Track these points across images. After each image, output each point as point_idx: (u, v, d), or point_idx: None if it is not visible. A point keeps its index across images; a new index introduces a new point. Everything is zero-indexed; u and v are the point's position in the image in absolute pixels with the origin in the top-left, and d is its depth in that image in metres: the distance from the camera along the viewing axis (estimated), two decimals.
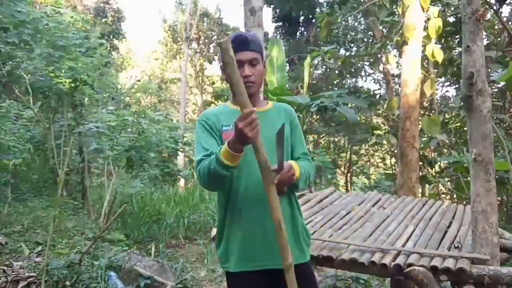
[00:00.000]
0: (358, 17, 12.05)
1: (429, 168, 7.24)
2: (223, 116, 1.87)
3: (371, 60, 12.59)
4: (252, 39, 1.83)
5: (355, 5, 9.68)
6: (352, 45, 13.35)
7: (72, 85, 6.13)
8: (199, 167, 1.76)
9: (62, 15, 6.96)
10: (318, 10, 14.23)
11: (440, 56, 5.30)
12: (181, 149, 9.71)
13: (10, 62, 5.75)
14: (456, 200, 6.80)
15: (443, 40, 6.99)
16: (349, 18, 11.80)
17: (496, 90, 7.46)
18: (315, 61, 12.73)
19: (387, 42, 7.92)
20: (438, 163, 7.73)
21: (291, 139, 1.94)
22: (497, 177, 2.86)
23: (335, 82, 13.06)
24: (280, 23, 15.25)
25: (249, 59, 1.79)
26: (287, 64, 13.95)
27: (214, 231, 2.84)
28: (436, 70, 7.26)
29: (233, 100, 1.88)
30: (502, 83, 6.97)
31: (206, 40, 20.05)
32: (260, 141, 1.58)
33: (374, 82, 14.55)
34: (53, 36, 6.05)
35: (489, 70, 5.93)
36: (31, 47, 5.72)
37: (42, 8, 6.77)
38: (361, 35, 13.21)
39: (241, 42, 1.77)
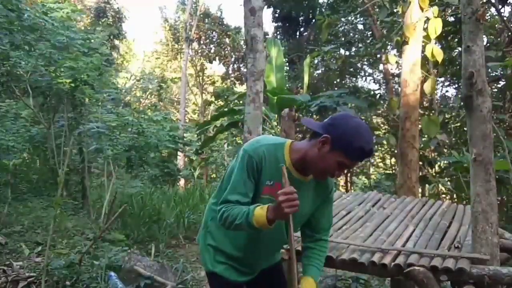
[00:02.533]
0: (358, 17, 12.04)
1: (429, 168, 7.23)
2: (272, 165, 1.75)
3: (371, 60, 12.59)
4: None
5: (355, 6, 9.68)
6: (352, 45, 13.34)
7: (72, 84, 6.12)
8: (225, 209, 1.73)
9: (56, 10, 6.90)
10: (318, 10, 14.21)
11: (440, 56, 5.28)
12: (180, 149, 9.72)
13: (10, 62, 5.75)
14: (456, 200, 6.80)
15: (443, 40, 6.98)
16: (349, 18, 11.78)
17: (496, 90, 7.46)
18: (315, 61, 12.73)
19: (387, 42, 7.91)
20: (438, 163, 7.72)
21: (319, 212, 1.94)
22: (497, 177, 2.86)
23: (335, 82, 13.05)
24: (280, 23, 15.24)
25: (351, 168, 1.79)
26: (287, 64, 13.97)
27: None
28: (436, 70, 7.25)
29: (295, 161, 1.76)
30: (502, 83, 6.98)
31: (207, 40, 20.02)
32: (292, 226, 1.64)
33: (374, 82, 14.56)
34: (54, 35, 6.04)
35: (489, 70, 5.93)
36: (32, 46, 5.73)
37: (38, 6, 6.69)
38: (361, 35, 13.20)
39: (365, 156, 1.70)
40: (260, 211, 1.63)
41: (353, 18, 11.94)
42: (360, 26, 13.09)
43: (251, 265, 1.97)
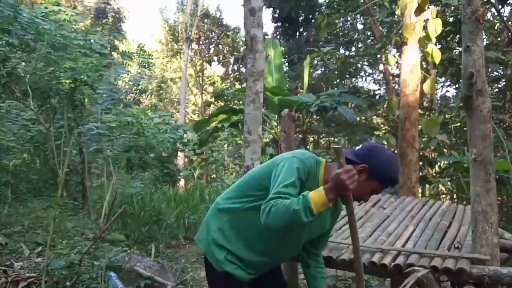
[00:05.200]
0: (358, 17, 12.05)
1: (429, 168, 7.23)
2: (311, 179, 1.85)
3: (371, 60, 12.60)
4: None
5: (356, 5, 9.69)
6: (352, 45, 13.35)
7: (72, 85, 6.12)
8: (273, 203, 1.71)
9: (59, 12, 6.91)
10: (318, 10, 14.22)
11: (438, 57, 5.28)
12: (180, 149, 9.71)
13: (10, 63, 5.75)
14: (456, 200, 6.80)
15: (443, 40, 6.98)
16: (349, 18, 11.79)
17: (496, 90, 7.46)
18: (315, 61, 12.74)
19: (387, 42, 7.91)
20: (438, 163, 7.72)
21: (325, 234, 2.14)
22: (497, 177, 2.86)
23: (334, 82, 13.06)
24: (280, 24, 15.25)
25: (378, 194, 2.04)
26: (287, 64, 13.97)
27: None
28: (436, 70, 7.25)
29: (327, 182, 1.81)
30: (502, 83, 6.98)
31: (206, 41, 20.03)
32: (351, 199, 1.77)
33: (374, 82, 14.58)
34: (53, 37, 6.04)
35: (489, 70, 5.93)
36: (31, 47, 5.72)
37: (39, 8, 6.70)
38: (361, 35, 13.21)
39: (393, 184, 1.96)
40: (316, 194, 1.68)
41: (353, 18, 11.96)
42: (360, 26, 13.11)
43: (260, 268, 2.00)
